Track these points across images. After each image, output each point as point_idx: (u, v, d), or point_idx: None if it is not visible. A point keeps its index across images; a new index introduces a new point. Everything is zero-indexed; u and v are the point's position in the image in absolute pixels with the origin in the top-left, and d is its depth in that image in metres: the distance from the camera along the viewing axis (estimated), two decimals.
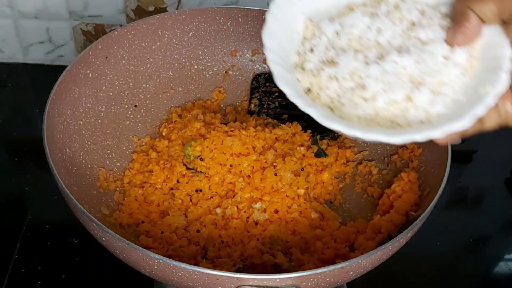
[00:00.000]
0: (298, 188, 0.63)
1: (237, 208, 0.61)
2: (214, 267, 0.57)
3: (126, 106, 0.71)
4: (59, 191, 0.51)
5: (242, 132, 0.65)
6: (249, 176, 0.63)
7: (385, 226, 0.57)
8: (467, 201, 0.78)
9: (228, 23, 0.75)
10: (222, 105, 0.77)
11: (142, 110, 0.72)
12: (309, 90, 0.44)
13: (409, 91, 0.41)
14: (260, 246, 0.58)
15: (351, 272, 0.48)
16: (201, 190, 0.62)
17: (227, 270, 0.53)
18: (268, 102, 0.75)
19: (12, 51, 0.90)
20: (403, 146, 0.67)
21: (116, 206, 0.62)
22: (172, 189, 0.64)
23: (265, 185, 0.62)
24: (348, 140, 0.72)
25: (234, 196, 0.61)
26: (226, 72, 0.78)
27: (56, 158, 0.55)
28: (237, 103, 0.77)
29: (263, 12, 0.74)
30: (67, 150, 0.60)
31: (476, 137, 0.80)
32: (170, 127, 0.71)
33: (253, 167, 0.63)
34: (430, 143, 0.62)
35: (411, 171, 0.63)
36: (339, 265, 0.45)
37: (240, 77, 0.78)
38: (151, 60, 0.72)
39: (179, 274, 0.45)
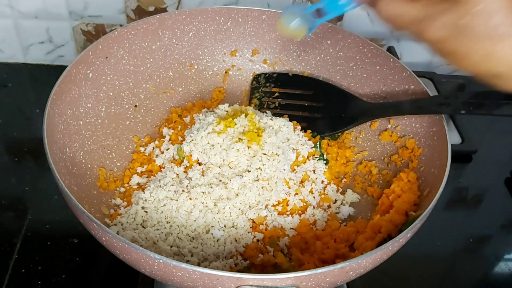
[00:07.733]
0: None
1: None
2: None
3: (126, 106, 0.71)
4: (59, 191, 0.51)
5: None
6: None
7: (385, 226, 0.57)
8: (467, 201, 0.78)
9: (228, 23, 0.75)
10: None
11: (142, 110, 0.72)
12: None
13: None
14: (260, 246, 0.58)
15: (351, 272, 0.48)
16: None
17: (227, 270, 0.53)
18: (268, 102, 0.75)
19: (12, 51, 0.90)
20: (403, 146, 0.67)
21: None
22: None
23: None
24: (348, 140, 0.72)
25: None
26: (226, 72, 0.78)
27: (56, 158, 0.55)
28: (237, 103, 0.77)
29: (263, 12, 0.74)
30: (67, 150, 0.60)
31: (476, 137, 0.81)
32: (170, 127, 0.71)
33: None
34: (430, 143, 0.63)
35: (410, 171, 0.63)
36: (339, 265, 0.45)
37: (240, 77, 0.78)
38: (151, 60, 0.73)
39: (179, 274, 0.45)
